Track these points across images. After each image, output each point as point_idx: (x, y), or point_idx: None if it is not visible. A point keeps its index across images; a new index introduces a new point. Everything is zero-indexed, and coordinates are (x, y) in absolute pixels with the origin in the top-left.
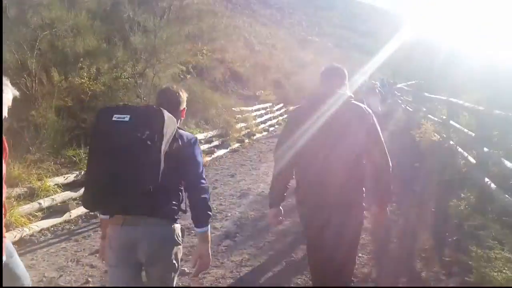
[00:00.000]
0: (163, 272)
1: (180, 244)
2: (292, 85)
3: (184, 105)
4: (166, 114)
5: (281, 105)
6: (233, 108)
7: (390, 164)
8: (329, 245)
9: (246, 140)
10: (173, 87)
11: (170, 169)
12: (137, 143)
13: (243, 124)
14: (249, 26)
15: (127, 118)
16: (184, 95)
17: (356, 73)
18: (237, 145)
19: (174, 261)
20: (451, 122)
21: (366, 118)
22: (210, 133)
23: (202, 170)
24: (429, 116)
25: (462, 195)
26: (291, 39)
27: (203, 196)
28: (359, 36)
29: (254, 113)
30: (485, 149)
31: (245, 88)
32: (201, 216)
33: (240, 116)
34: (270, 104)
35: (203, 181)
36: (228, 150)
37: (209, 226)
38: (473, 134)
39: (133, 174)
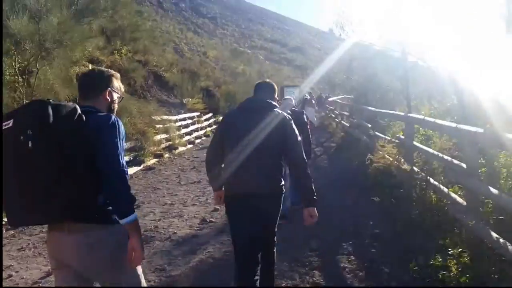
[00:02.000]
0: None
1: None
2: (222, 94)
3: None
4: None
5: (210, 114)
6: (152, 117)
7: (306, 162)
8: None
9: (166, 155)
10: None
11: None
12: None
13: (163, 136)
14: (179, 32)
15: (10, 123)
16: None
17: (287, 85)
18: (153, 161)
19: None
20: (416, 143)
21: (286, 121)
22: None
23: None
24: (377, 133)
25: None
26: (223, 49)
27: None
28: (289, 51)
29: (179, 123)
30: (493, 190)
31: (171, 95)
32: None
33: (161, 126)
34: (198, 113)
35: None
36: (141, 167)
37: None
38: (465, 166)
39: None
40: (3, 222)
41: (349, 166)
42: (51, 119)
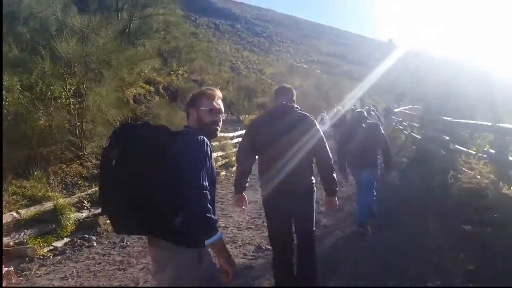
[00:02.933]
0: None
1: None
2: None
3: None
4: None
5: None
6: None
7: (331, 159)
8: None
9: (222, 173)
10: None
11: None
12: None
13: (220, 153)
14: (236, 52)
15: (107, 142)
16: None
17: (348, 97)
18: None
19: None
20: None
21: (311, 122)
22: None
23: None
24: (458, 147)
25: None
26: (279, 65)
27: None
28: (347, 63)
29: (236, 140)
30: None
31: (227, 113)
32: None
33: (217, 143)
34: None
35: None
36: None
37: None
38: None
39: None
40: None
41: (425, 184)
42: (135, 140)
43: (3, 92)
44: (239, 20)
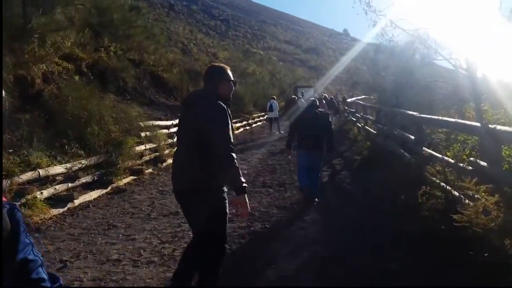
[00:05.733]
0: None
1: None
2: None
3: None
4: None
5: None
6: (139, 123)
7: (230, 149)
8: None
9: (148, 170)
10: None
11: None
12: None
13: (149, 146)
14: (189, 33)
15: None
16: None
17: (300, 85)
18: (127, 179)
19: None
20: None
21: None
22: (79, 163)
23: None
24: (428, 151)
25: None
26: (234, 50)
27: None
28: (303, 52)
29: (174, 129)
30: None
31: (170, 98)
32: None
33: (148, 133)
34: None
35: None
36: (107, 190)
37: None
38: None
39: None
40: None
41: (384, 194)
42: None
43: None
44: (196, 1)
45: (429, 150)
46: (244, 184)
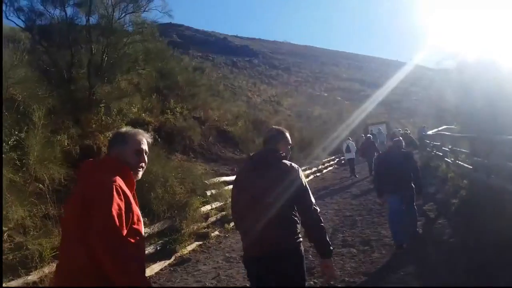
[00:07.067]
0: None
1: None
2: (298, 141)
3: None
4: None
5: None
6: (204, 181)
7: (317, 212)
8: None
9: (214, 233)
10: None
11: None
12: None
13: (215, 205)
14: (252, 86)
15: None
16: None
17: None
18: (192, 246)
19: None
20: None
21: (293, 172)
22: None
23: None
24: None
25: None
26: (298, 96)
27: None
28: (368, 87)
29: None
30: None
31: (236, 151)
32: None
33: (213, 191)
34: None
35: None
36: (170, 261)
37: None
38: None
39: None
40: None
41: (500, 246)
42: None
43: None
44: (256, 55)
45: None
46: (331, 247)
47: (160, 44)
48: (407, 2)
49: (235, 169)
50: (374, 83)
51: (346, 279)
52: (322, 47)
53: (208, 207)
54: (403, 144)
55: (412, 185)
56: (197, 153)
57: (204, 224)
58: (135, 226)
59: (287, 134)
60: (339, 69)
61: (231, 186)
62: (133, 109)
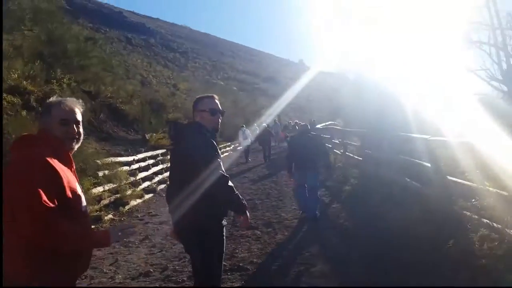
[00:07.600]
0: None
1: None
2: None
3: None
4: None
5: None
6: (96, 160)
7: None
8: None
9: (108, 216)
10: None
11: None
12: None
13: (108, 186)
14: (148, 66)
15: None
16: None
17: (263, 114)
18: None
19: None
20: None
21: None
22: None
23: None
24: (453, 179)
25: None
26: (194, 81)
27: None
28: (262, 81)
29: (136, 165)
30: None
31: (130, 131)
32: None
33: (106, 172)
34: (163, 150)
35: None
36: None
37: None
38: None
39: None
40: None
41: (420, 235)
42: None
43: None
44: (154, 35)
45: (455, 179)
46: (244, 202)
47: (52, 5)
48: (303, 7)
49: (129, 149)
50: (268, 77)
51: (255, 260)
52: (221, 37)
53: (100, 188)
54: (309, 128)
55: (316, 163)
56: (86, 130)
57: (96, 207)
58: (70, 202)
59: (207, 99)
60: (235, 61)
61: (125, 168)
62: (13, 75)
